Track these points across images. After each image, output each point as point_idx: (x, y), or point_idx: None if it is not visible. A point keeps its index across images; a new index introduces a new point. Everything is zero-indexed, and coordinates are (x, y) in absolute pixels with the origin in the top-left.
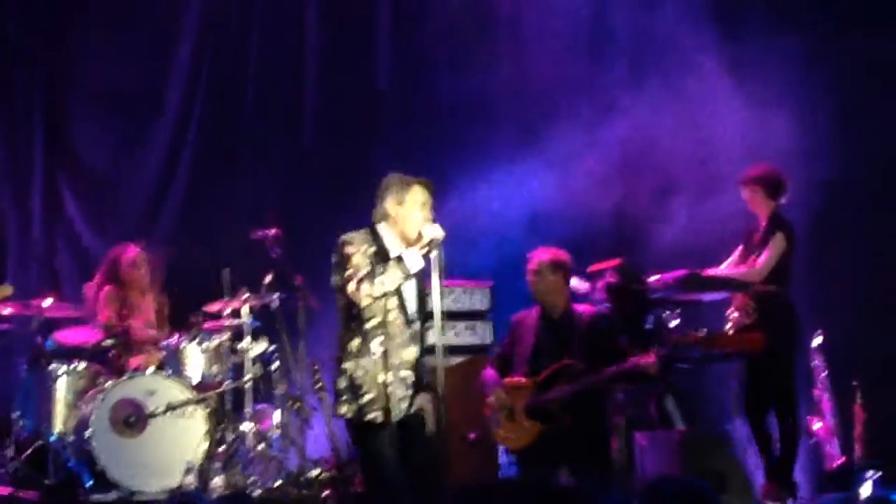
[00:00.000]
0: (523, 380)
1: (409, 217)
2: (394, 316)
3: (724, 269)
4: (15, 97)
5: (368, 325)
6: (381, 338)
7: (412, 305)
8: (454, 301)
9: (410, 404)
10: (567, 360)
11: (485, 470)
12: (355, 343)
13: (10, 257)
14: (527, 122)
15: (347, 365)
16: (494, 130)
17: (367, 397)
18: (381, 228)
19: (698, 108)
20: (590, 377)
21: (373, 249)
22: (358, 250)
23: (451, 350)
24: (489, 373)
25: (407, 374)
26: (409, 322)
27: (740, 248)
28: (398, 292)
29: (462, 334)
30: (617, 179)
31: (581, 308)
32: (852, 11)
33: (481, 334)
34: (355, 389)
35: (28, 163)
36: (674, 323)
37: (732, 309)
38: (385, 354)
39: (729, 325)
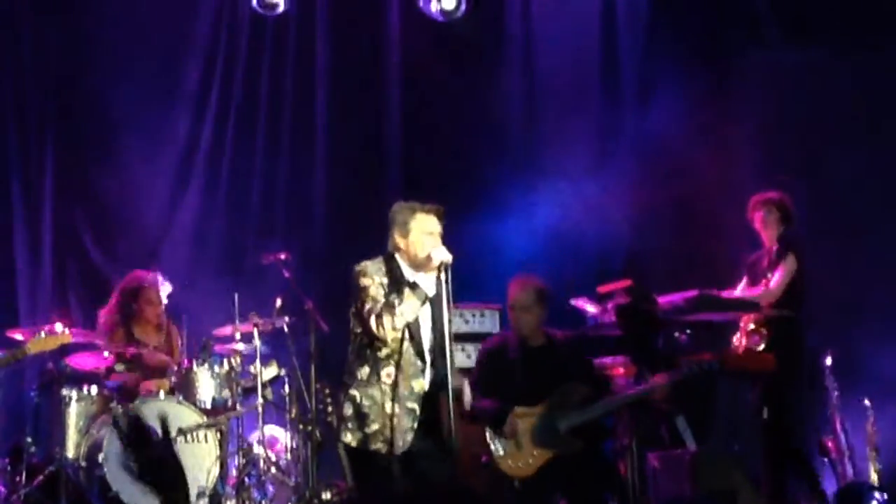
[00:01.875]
0: (532, 408)
1: (416, 245)
2: (405, 346)
3: (737, 292)
4: (28, 124)
5: (380, 354)
6: (391, 367)
7: (426, 335)
8: (464, 323)
9: (417, 435)
10: (571, 383)
11: (499, 492)
12: (364, 371)
13: (20, 282)
14: (535, 145)
15: (354, 392)
16: (503, 154)
17: (372, 427)
18: (398, 257)
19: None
20: (614, 396)
21: (386, 280)
22: (372, 282)
23: (462, 372)
24: (487, 402)
25: (414, 405)
26: (419, 352)
27: (745, 279)
28: (410, 322)
29: (473, 356)
30: (627, 201)
31: (552, 332)
32: None
33: None
34: (361, 418)
35: (39, 188)
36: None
37: (739, 334)
38: (394, 385)
39: (736, 348)
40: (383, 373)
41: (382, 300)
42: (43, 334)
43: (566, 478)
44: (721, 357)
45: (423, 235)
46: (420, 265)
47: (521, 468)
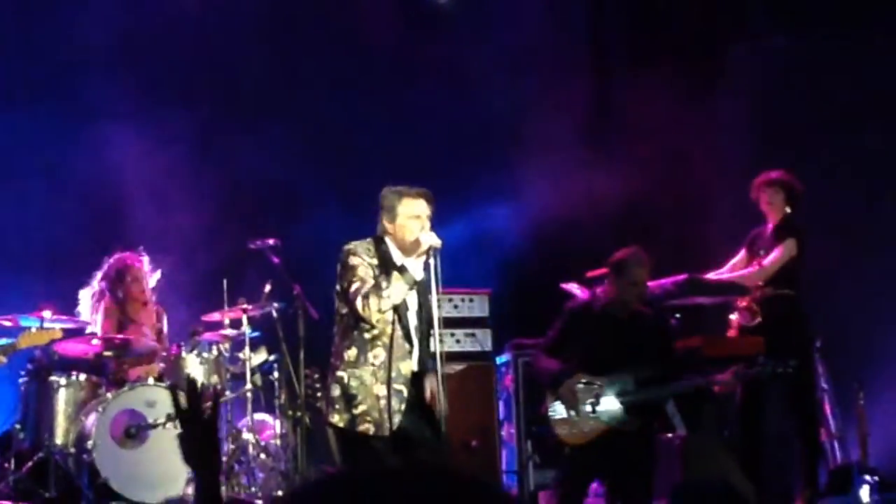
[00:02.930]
0: (597, 377)
1: (403, 229)
2: (393, 328)
3: (726, 271)
4: None
5: (367, 336)
6: (380, 349)
7: (413, 318)
8: (454, 308)
9: (408, 415)
10: (643, 362)
11: (487, 477)
12: (352, 352)
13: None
14: (523, 130)
15: (342, 374)
16: (490, 142)
17: (360, 408)
18: (387, 240)
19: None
20: (677, 385)
21: (375, 261)
22: (362, 261)
23: (451, 357)
24: (551, 363)
25: (402, 387)
26: (407, 335)
27: (743, 251)
28: (398, 304)
29: (462, 341)
30: (615, 185)
31: (642, 309)
32: None
33: (481, 341)
34: (349, 399)
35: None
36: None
37: (736, 311)
38: (382, 366)
39: (732, 328)
40: (371, 354)
41: (371, 281)
42: (34, 329)
43: (616, 454)
44: (709, 342)
45: (409, 219)
46: (408, 249)
47: (574, 435)
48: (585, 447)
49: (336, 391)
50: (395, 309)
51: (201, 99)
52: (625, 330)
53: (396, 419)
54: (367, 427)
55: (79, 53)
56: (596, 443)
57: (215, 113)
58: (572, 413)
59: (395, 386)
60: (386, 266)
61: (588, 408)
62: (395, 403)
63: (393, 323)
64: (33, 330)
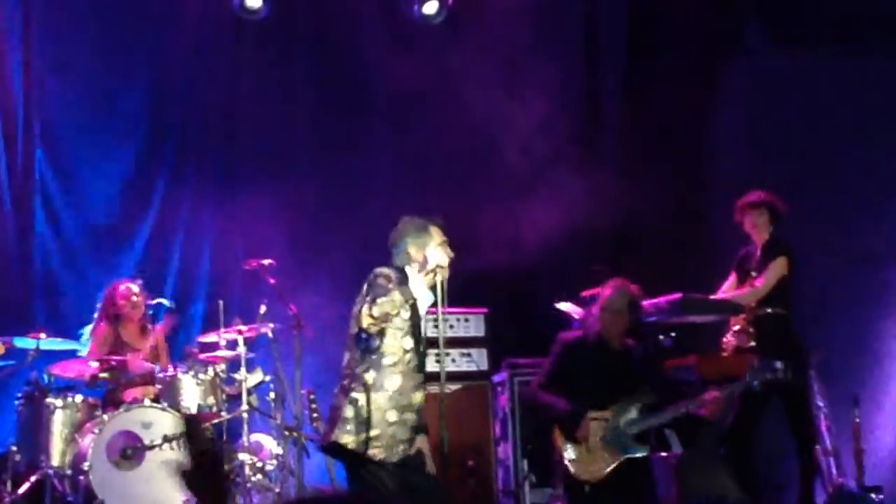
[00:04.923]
0: (602, 412)
1: (434, 256)
2: (409, 357)
3: (721, 293)
4: None
5: (386, 362)
6: (398, 377)
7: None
8: (449, 328)
9: (410, 447)
10: (642, 392)
11: (482, 497)
12: (370, 376)
13: (9, 290)
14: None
15: (358, 396)
16: (489, 159)
17: (373, 432)
18: (409, 271)
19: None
20: (671, 411)
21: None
22: (389, 283)
23: (447, 377)
24: (556, 399)
25: (411, 417)
26: (421, 366)
27: (733, 274)
28: (416, 335)
29: (458, 361)
30: (615, 202)
31: (630, 340)
32: None
33: (477, 361)
34: (362, 422)
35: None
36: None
37: (729, 333)
38: (397, 393)
39: (724, 349)
40: (388, 381)
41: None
42: None
43: (633, 482)
44: (703, 361)
45: (440, 246)
46: (427, 273)
47: (593, 472)
48: (604, 482)
49: (349, 412)
50: (414, 340)
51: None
52: (620, 360)
53: (401, 448)
54: (377, 451)
55: None
56: (611, 477)
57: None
58: (587, 451)
59: (405, 415)
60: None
61: (600, 443)
62: (401, 433)
63: (407, 351)
64: None
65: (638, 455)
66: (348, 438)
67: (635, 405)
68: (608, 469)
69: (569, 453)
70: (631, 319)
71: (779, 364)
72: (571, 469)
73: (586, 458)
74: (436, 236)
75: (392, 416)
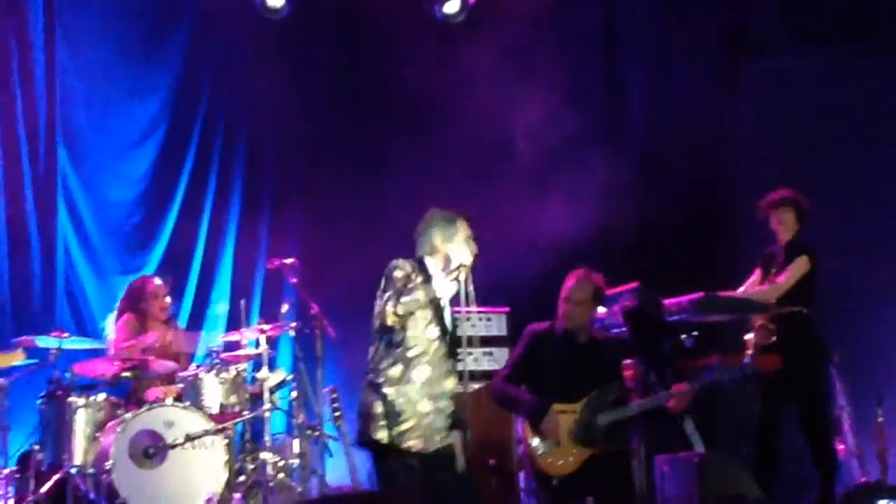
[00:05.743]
0: (570, 404)
1: (457, 252)
2: (436, 346)
3: (743, 290)
4: None
5: (411, 354)
6: (425, 367)
7: (451, 338)
8: (471, 327)
9: (448, 435)
10: (609, 383)
11: (504, 496)
12: (397, 370)
13: (31, 290)
14: (540, 150)
15: (388, 391)
16: (507, 157)
17: (406, 425)
18: (428, 262)
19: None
20: (644, 399)
21: (420, 279)
22: (404, 275)
23: (470, 376)
24: (520, 392)
25: (446, 404)
26: (450, 352)
27: (758, 271)
28: (441, 323)
29: (480, 360)
30: (635, 201)
31: (597, 331)
32: None
33: (499, 360)
34: (395, 416)
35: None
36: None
37: (752, 331)
38: (426, 384)
39: (748, 347)
40: (415, 372)
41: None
42: None
43: (602, 476)
44: (726, 359)
45: (463, 241)
46: (450, 271)
47: (560, 466)
48: (572, 476)
49: (379, 408)
50: (440, 327)
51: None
52: (587, 352)
53: (439, 437)
54: (414, 443)
55: None
56: (582, 469)
57: None
58: (555, 444)
59: (440, 403)
60: (429, 283)
61: (567, 437)
62: (439, 421)
63: (432, 340)
64: None
65: (609, 448)
66: (382, 434)
67: (604, 397)
68: (577, 463)
69: (536, 446)
70: (594, 309)
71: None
72: (539, 462)
73: (555, 452)
74: (462, 230)
75: (425, 406)
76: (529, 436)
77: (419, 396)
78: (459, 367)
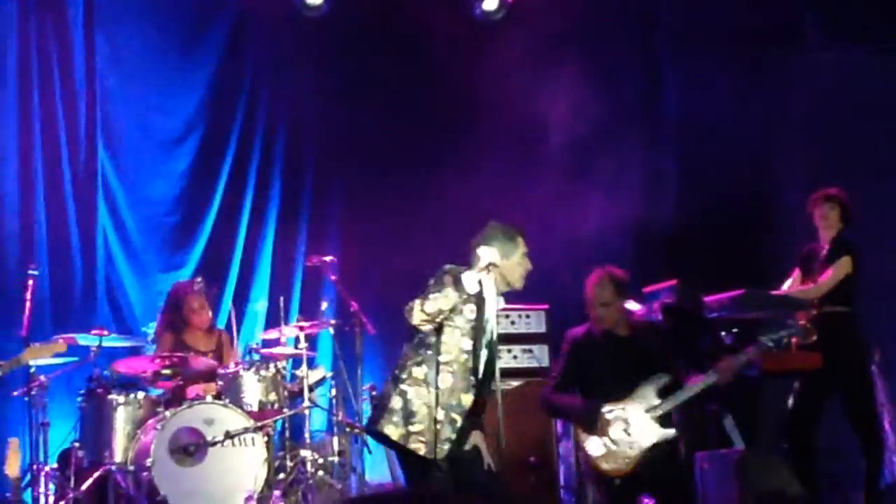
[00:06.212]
0: (619, 402)
1: (515, 269)
2: (465, 358)
3: (783, 290)
4: None
5: (441, 359)
6: (449, 375)
7: (484, 356)
8: (511, 324)
9: (457, 445)
10: (659, 375)
11: (544, 494)
12: (422, 371)
13: (72, 287)
14: (578, 145)
15: (407, 388)
16: (548, 154)
17: (415, 427)
18: (482, 277)
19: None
20: (687, 389)
21: (472, 290)
22: (454, 285)
23: (509, 373)
24: (569, 399)
25: (458, 417)
26: (475, 369)
27: (797, 270)
28: (476, 338)
29: (519, 357)
30: (674, 197)
31: (635, 320)
32: None
33: (538, 357)
34: (407, 415)
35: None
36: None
37: None
38: (446, 392)
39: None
40: (439, 378)
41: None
42: (38, 344)
43: (660, 469)
44: (767, 356)
45: (522, 258)
46: (513, 287)
47: (619, 466)
48: (632, 473)
49: (396, 403)
50: (473, 342)
51: None
52: (630, 345)
53: (446, 447)
54: (419, 447)
55: None
56: (640, 466)
57: None
58: (611, 445)
59: (452, 415)
60: (480, 296)
61: (623, 434)
62: (447, 431)
63: (464, 351)
64: (38, 345)
65: (664, 440)
66: (392, 430)
67: (653, 389)
68: (635, 460)
69: (592, 449)
70: (622, 302)
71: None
72: (597, 464)
73: (613, 453)
74: (521, 247)
75: (438, 414)
76: (583, 440)
77: (435, 403)
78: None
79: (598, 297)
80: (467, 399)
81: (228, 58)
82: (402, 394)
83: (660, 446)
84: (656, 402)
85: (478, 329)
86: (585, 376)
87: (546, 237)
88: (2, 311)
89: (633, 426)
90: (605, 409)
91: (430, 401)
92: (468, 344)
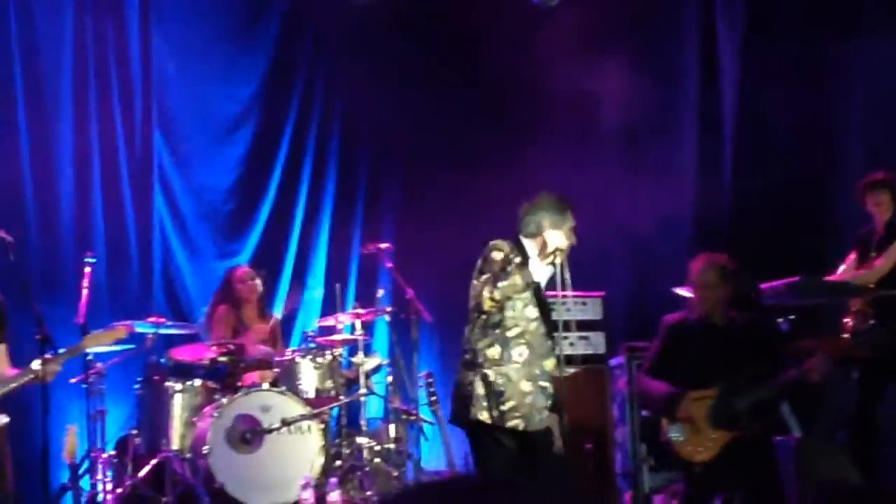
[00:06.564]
0: (707, 390)
1: (560, 240)
2: (535, 326)
3: (838, 275)
4: None
5: (510, 334)
6: (523, 347)
7: (548, 319)
8: (566, 311)
9: (547, 416)
10: (748, 365)
11: (600, 480)
12: (495, 350)
13: (129, 275)
14: (633, 132)
15: (488, 371)
16: (603, 141)
17: (508, 404)
18: (527, 243)
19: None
20: (778, 380)
21: (518, 259)
22: (503, 257)
23: (565, 360)
24: (658, 385)
25: (546, 384)
26: (549, 333)
27: (854, 253)
28: (540, 303)
29: (576, 344)
30: (726, 186)
31: (735, 312)
32: None
33: (594, 344)
34: (497, 396)
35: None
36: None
37: (849, 314)
38: (527, 363)
39: (845, 331)
40: (515, 352)
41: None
42: (99, 331)
43: (745, 460)
44: (824, 343)
45: (569, 232)
46: (546, 255)
47: (701, 452)
48: (713, 462)
49: (480, 389)
50: (538, 308)
51: None
52: (725, 335)
53: (543, 415)
54: (517, 422)
55: None
56: (723, 455)
57: None
58: (694, 432)
59: (540, 383)
60: (524, 266)
61: (707, 421)
62: (541, 400)
63: (532, 320)
64: (99, 331)
65: (748, 431)
66: (484, 414)
67: (742, 379)
68: (716, 448)
69: (675, 435)
70: (726, 290)
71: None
72: (678, 451)
73: (693, 440)
74: (570, 220)
75: (526, 386)
76: (666, 424)
77: (519, 377)
78: (556, 350)
79: (702, 280)
80: (550, 363)
81: (283, 46)
82: (484, 377)
83: (747, 437)
84: (742, 392)
85: (537, 295)
86: (677, 362)
87: (602, 225)
88: (59, 299)
89: (718, 415)
90: (692, 395)
91: (513, 376)
92: (533, 311)
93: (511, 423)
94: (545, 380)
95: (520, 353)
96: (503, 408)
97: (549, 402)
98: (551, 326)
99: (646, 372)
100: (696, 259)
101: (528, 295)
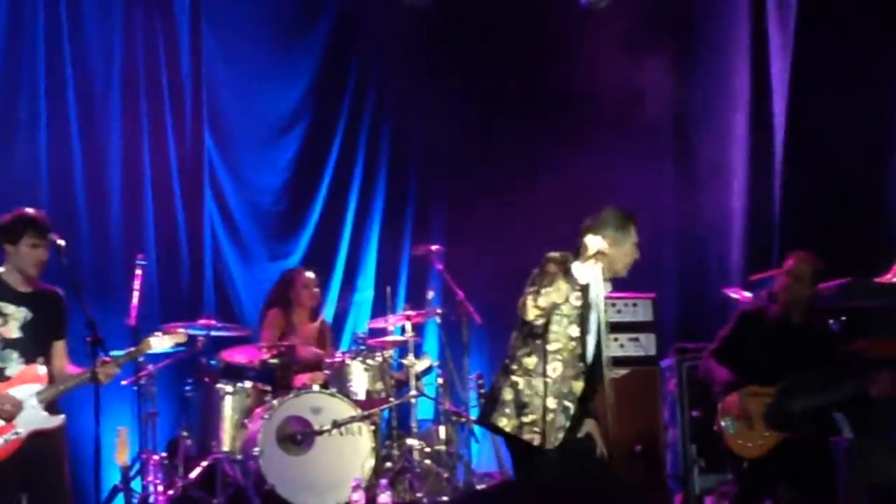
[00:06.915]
0: (766, 387)
1: (622, 258)
2: (573, 346)
3: (891, 275)
4: None
5: (550, 348)
6: (559, 363)
7: (591, 339)
8: (617, 313)
9: (571, 433)
10: (812, 369)
11: (651, 482)
12: (531, 361)
13: (180, 277)
14: (683, 132)
15: (518, 379)
16: (653, 142)
17: (528, 417)
18: (590, 262)
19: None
20: (840, 390)
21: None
22: (559, 270)
23: (615, 362)
24: (722, 371)
25: (570, 405)
26: (583, 355)
27: None
28: (582, 325)
29: (626, 346)
30: (778, 186)
31: (815, 317)
32: None
33: (645, 346)
34: (520, 406)
35: (196, 176)
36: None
37: None
38: (558, 380)
39: None
40: (550, 367)
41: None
42: (160, 334)
43: (796, 462)
44: (876, 344)
45: (633, 248)
46: (617, 274)
47: (750, 448)
48: (762, 460)
49: (508, 395)
50: (581, 328)
51: None
52: (798, 335)
53: (560, 435)
54: (533, 437)
55: None
56: (773, 454)
57: None
58: (747, 426)
59: (565, 402)
60: (585, 284)
61: (762, 419)
62: (561, 420)
63: (572, 338)
64: (160, 335)
65: (801, 435)
66: (504, 421)
67: (803, 383)
68: (766, 447)
69: (727, 427)
70: (812, 288)
71: None
72: (729, 442)
73: (745, 434)
74: (632, 235)
75: (551, 403)
76: (720, 414)
77: (547, 392)
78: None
79: (796, 270)
80: (578, 386)
81: (335, 46)
82: (514, 385)
83: (802, 441)
84: (803, 395)
85: (584, 315)
86: (745, 352)
87: (653, 227)
88: (110, 300)
89: (770, 414)
90: (751, 389)
91: (541, 390)
92: (575, 331)
93: (527, 437)
94: (570, 400)
95: (554, 368)
96: (524, 419)
97: (569, 424)
98: (597, 352)
99: (711, 352)
100: (795, 253)
101: (575, 313)
